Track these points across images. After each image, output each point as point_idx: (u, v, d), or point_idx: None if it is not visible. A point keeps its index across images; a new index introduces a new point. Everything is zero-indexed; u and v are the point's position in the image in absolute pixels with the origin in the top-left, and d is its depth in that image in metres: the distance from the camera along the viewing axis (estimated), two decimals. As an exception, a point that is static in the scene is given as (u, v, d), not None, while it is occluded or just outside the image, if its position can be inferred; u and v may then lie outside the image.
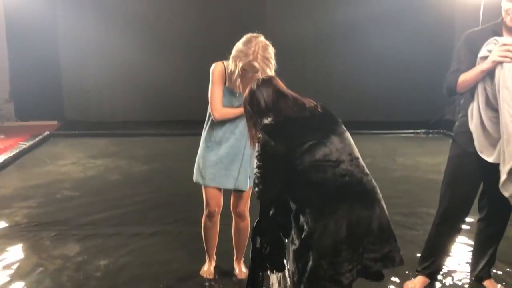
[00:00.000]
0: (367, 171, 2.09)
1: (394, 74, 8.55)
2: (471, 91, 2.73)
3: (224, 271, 3.25)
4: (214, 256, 3.25)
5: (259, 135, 2.09)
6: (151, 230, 3.93)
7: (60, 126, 8.13)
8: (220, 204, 3.06)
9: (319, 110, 2.16)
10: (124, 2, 8.20)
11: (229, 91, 2.88)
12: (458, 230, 3.01)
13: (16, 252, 3.56)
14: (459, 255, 3.53)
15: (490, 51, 2.56)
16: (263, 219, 2.30)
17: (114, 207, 4.48)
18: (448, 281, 3.20)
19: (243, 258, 3.25)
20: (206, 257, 3.25)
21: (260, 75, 2.69)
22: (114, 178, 5.49)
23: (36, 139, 7.02)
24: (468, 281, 3.17)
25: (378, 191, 2.08)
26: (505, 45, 2.49)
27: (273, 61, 2.72)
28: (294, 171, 2.02)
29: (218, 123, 2.90)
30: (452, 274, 3.28)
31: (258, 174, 2.11)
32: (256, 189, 2.14)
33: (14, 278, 3.17)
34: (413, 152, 6.85)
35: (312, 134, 2.04)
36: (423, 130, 8.15)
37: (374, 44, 8.44)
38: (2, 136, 7.23)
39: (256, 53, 2.64)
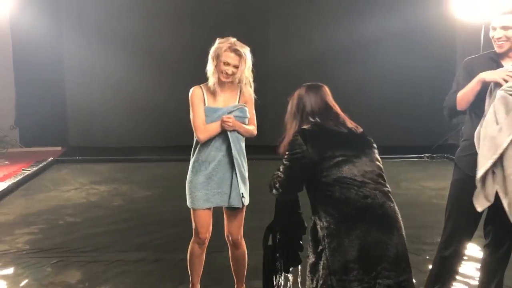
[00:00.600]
0: (392, 198, 2.12)
1: (397, 99, 8.60)
2: (471, 115, 2.76)
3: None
4: (198, 285, 3.15)
5: (294, 138, 2.13)
6: (153, 257, 3.90)
7: (64, 152, 8.17)
8: (210, 230, 3.00)
9: (358, 131, 2.22)
10: (129, 31, 8.34)
11: (210, 110, 2.87)
12: (463, 255, 2.99)
13: (17, 279, 3.53)
14: (466, 281, 3.48)
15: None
16: (277, 218, 2.31)
17: (116, 233, 4.47)
18: (454, 307, 3.15)
19: (244, 285, 3.20)
20: (190, 285, 3.14)
21: (241, 70, 2.79)
22: (117, 203, 5.48)
23: (40, 165, 7.06)
24: (475, 308, 3.13)
25: (400, 219, 2.10)
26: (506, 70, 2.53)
27: (249, 53, 2.82)
28: (319, 181, 2.05)
29: (203, 144, 2.87)
30: (458, 301, 3.23)
31: (282, 176, 2.14)
32: (275, 191, 2.19)
33: (14, 306, 3.15)
34: (417, 176, 6.83)
35: (345, 150, 2.10)
36: (426, 155, 8.13)
37: (376, 69, 8.54)
38: (6, 162, 7.27)
39: (233, 41, 2.81)
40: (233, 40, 2.83)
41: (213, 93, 2.89)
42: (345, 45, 8.43)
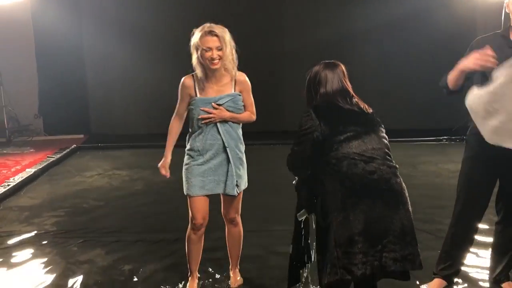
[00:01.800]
0: (398, 174, 2.18)
1: (416, 81, 8.50)
2: None
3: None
4: (197, 272, 3.16)
5: (307, 113, 2.22)
6: (173, 237, 4.02)
7: (87, 139, 8.37)
8: (206, 216, 2.97)
9: (369, 111, 2.30)
10: (147, 23, 8.40)
11: (203, 101, 2.82)
12: (474, 232, 3.02)
13: (46, 257, 3.72)
14: (477, 258, 3.52)
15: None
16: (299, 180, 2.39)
17: (138, 215, 4.63)
18: (465, 283, 3.20)
19: (238, 267, 3.22)
20: (188, 273, 3.15)
21: (226, 52, 2.70)
22: (138, 187, 5.64)
23: (64, 152, 7.28)
24: (486, 283, 3.17)
25: (406, 195, 2.17)
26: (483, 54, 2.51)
27: (228, 34, 2.74)
28: (328, 156, 2.13)
29: (198, 132, 2.86)
30: (470, 277, 3.28)
31: (293, 150, 2.26)
32: (288, 167, 2.31)
33: (44, 281, 3.34)
34: (435, 159, 6.80)
35: (355, 126, 2.18)
36: (445, 137, 8.06)
37: (394, 50, 8.41)
38: (32, 150, 7.51)
39: (208, 25, 2.73)
40: (208, 24, 2.75)
41: (206, 83, 2.83)
42: (362, 26, 8.34)
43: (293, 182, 2.43)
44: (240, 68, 2.90)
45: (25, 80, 8.42)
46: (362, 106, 2.30)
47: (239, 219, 3.10)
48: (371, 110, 2.33)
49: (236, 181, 2.89)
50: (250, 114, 2.93)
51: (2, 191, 5.25)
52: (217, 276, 3.33)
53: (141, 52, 8.42)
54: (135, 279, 3.35)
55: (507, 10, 2.74)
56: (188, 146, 2.95)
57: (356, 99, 2.32)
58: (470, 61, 2.56)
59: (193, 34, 2.78)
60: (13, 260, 3.69)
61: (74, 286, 3.25)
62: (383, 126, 2.32)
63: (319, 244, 2.18)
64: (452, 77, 2.73)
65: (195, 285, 3.15)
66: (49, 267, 3.54)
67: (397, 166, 2.20)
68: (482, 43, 2.75)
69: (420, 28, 8.32)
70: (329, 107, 2.23)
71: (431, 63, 8.41)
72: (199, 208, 2.93)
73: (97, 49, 8.52)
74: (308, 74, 2.41)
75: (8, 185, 5.50)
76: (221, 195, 2.99)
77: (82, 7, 8.56)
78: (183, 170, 2.95)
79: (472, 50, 2.77)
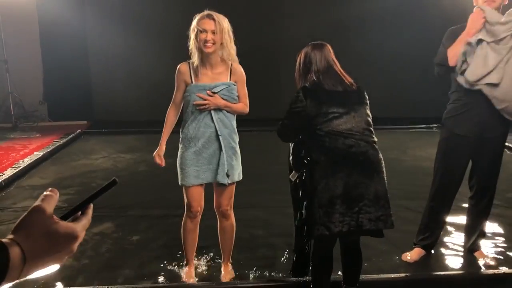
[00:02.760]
0: (376, 147, 2.48)
1: (408, 70, 8.74)
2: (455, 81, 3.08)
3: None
4: (193, 260, 3.20)
5: (296, 94, 2.50)
6: (176, 212, 4.28)
7: (90, 125, 8.64)
8: (202, 204, 3.00)
9: (353, 87, 2.54)
10: (148, 12, 8.64)
11: (198, 88, 2.82)
12: (449, 206, 3.34)
13: (59, 230, 4.02)
14: (453, 230, 3.85)
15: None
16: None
17: (143, 193, 4.94)
18: (442, 252, 3.53)
19: (230, 261, 3.19)
20: (184, 261, 3.19)
21: (220, 36, 2.73)
22: (142, 169, 5.95)
23: (69, 137, 7.56)
24: (461, 253, 3.50)
25: (382, 165, 2.46)
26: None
27: (226, 22, 2.79)
28: (313, 133, 2.45)
29: (192, 119, 2.85)
30: (446, 246, 3.61)
31: (283, 124, 2.60)
32: (277, 134, 2.64)
33: (60, 250, 3.65)
34: (424, 144, 7.10)
35: (337, 107, 2.45)
36: (435, 125, 8.33)
37: (388, 40, 8.64)
38: (38, 135, 7.78)
39: (208, 11, 2.80)
40: (207, 11, 2.80)
41: (201, 70, 2.82)
42: (356, 18, 8.60)
43: (290, 176, 2.67)
44: (238, 56, 2.94)
45: (30, 67, 8.65)
46: (347, 83, 2.52)
47: (231, 213, 3.06)
48: (355, 86, 2.55)
49: (227, 170, 2.86)
50: (243, 106, 2.92)
51: (13, 172, 5.55)
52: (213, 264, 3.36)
53: (143, 40, 8.65)
54: (143, 247, 3.68)
55: (474, 4, 3.02)
56: (181, 135, 2.93)
57: (341, 76, 2.54)
58: (476, 23, 2.84)
59: (195, 19, 2.84)
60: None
61: (89, 253, 3.58)
62: (367, 101, 2.55)
63: (306, 206, 2.48)
64: (456, 50, 2.95)
65: (192, 272, 3.17)
66: (64, 238, 3.84)
67: (375, 140, 2.49)
68: (456, 33, 3.04)
69: (413, 19, 8.55)
70: (316, 89, 2.49)
71: (423, 53, 8.60)
72: (195, 197, 2.94)
73: (100, 37, 8.75)
74: (298, 56, 2.66)
75: (19, 166, 5.80)
76: (213, 185, 2.98)
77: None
78: (178, 161, 2.93)
79: (452, 38, 3.03)
